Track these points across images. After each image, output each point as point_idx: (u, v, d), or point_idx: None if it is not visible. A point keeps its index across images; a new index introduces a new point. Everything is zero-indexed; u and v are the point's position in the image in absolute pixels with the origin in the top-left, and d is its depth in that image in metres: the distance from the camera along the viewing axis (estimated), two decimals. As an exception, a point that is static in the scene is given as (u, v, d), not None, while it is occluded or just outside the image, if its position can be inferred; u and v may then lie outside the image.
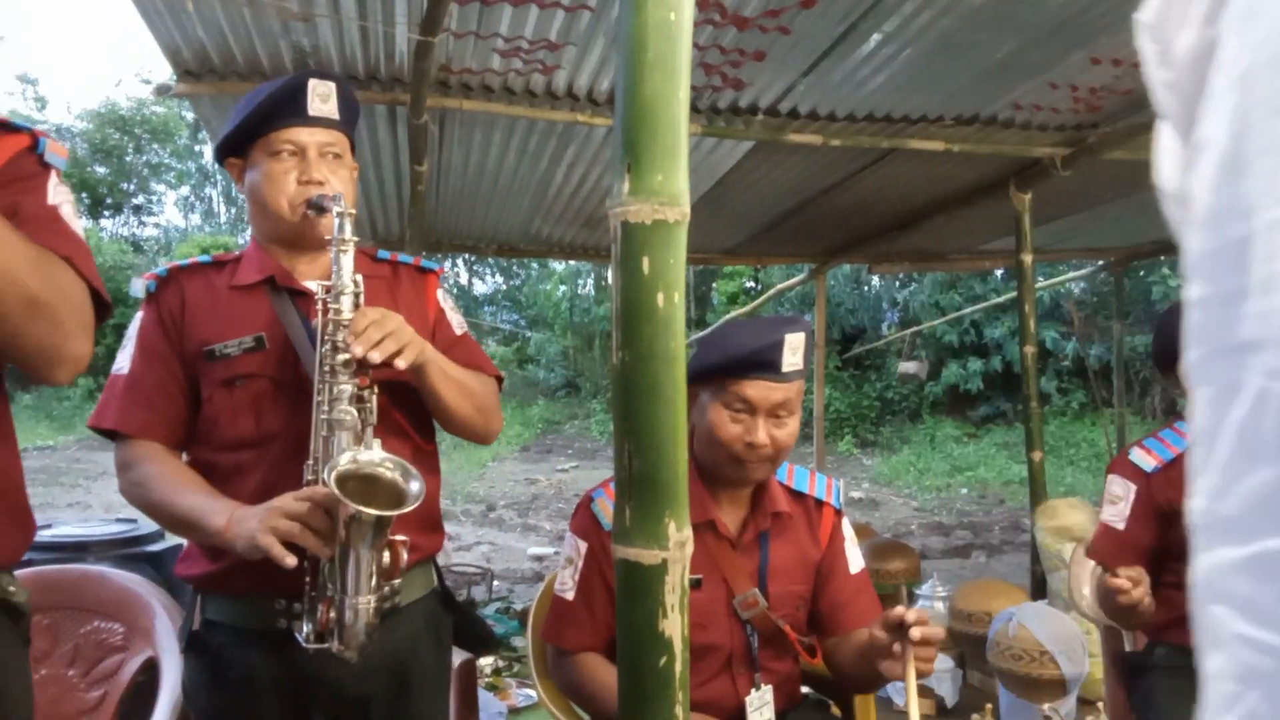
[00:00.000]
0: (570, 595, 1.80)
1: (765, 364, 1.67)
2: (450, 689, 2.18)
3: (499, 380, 1.77)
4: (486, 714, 3.74)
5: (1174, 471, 2.11)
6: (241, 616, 1.56)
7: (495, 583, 6.16)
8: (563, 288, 17.96)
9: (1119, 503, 2.16)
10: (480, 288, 20.43)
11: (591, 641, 1.78)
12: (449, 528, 8.51)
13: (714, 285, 15.94)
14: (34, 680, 1.32)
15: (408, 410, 1.62)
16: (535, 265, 18.74)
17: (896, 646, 1.51)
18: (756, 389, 1.67)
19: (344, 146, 1.64)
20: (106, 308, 1.23)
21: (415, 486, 1.41)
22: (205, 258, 1.69)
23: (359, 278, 1.52)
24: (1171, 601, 2.03)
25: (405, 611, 1.58)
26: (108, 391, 1.60)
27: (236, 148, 1.63)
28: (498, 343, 19.96)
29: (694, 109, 3.58)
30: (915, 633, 1.47)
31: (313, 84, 1.59)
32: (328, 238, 1.54)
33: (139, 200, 20.81)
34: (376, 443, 1.48)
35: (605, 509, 1.78)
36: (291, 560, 1.36)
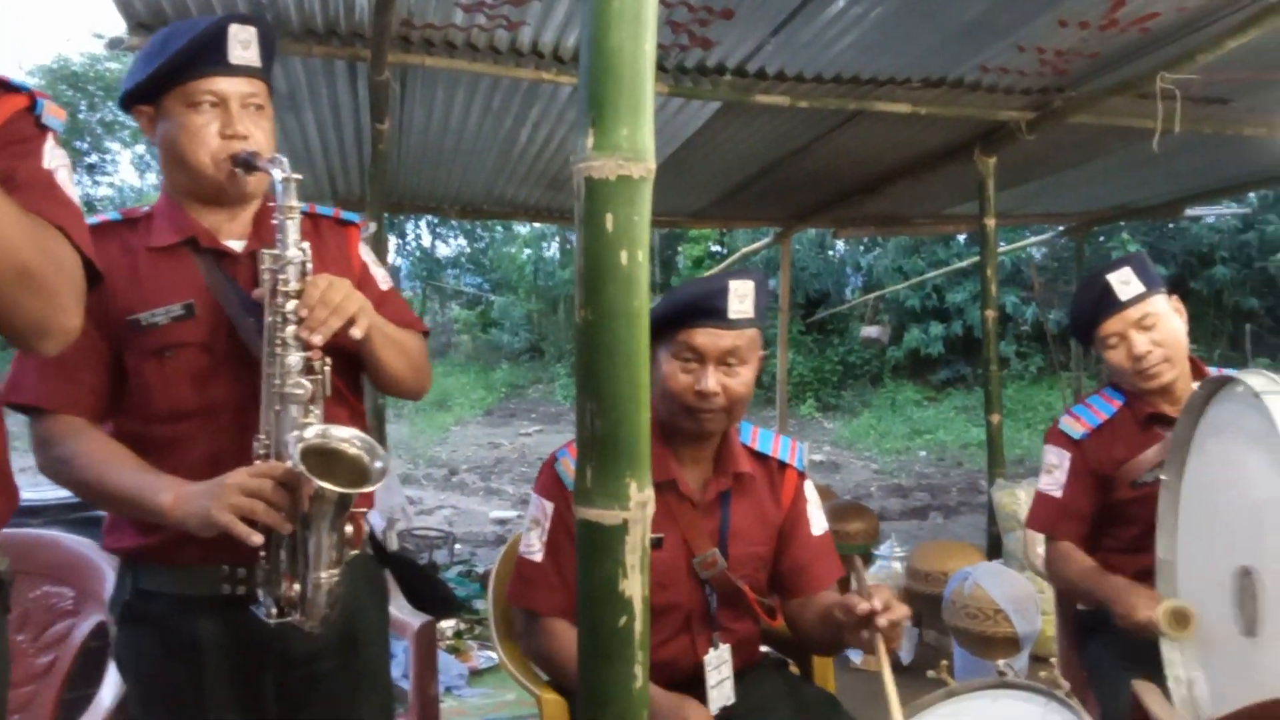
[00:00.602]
0: (538, 557, 1.78)
1: (711, 310, 1.68)
2: (410, 647, 2.18)
3: (425, 335, 1.74)
4: (447, 676, 3.75)
5: (1103, 436, 2.14)
6: (182, 585, 1.51)
7: (457, 546, 6.16)
8: (527, 251, 17.82)
9: (1055, 471, 2.19)
10: (444, 250, 20.19)
11: (562, 604, 1.76)
12: (412, 492, 8.52)
13: (679, 249, 15.89)
14: (7, 639, 1.29)
15: (343, 373, 1.58)
16: (500, 228, 18.55)
17: (864, 634, 1.52)
18: (704, 336, 1.68)
19: (265, 96, 1.56)
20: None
21: (379, 464, 1.39)
22: (115, 215, 1.58)
23: (306, 245, 1.47)
24: (1113, 564, 2.06)
25: (344, 568, 1.56)
26: (19, 362, 1.49)
27: (147, 95, 1.52)
28: (461, 306, 19.80)
29: (661, 68, 3.54)
30: (881, 621, 1.48)
31: (234, 29, 1.49)
32: (251, 194, 1.51)
33: (92, 159, 20.28)
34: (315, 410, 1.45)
35: (569, 469, 1.77)
36: (258, 538, 1.33)
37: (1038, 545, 2.67)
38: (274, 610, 1.41)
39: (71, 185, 1.19)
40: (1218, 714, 1.51)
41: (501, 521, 7.61)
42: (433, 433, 12.51)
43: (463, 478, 9.77)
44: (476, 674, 3.93)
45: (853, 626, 1.54)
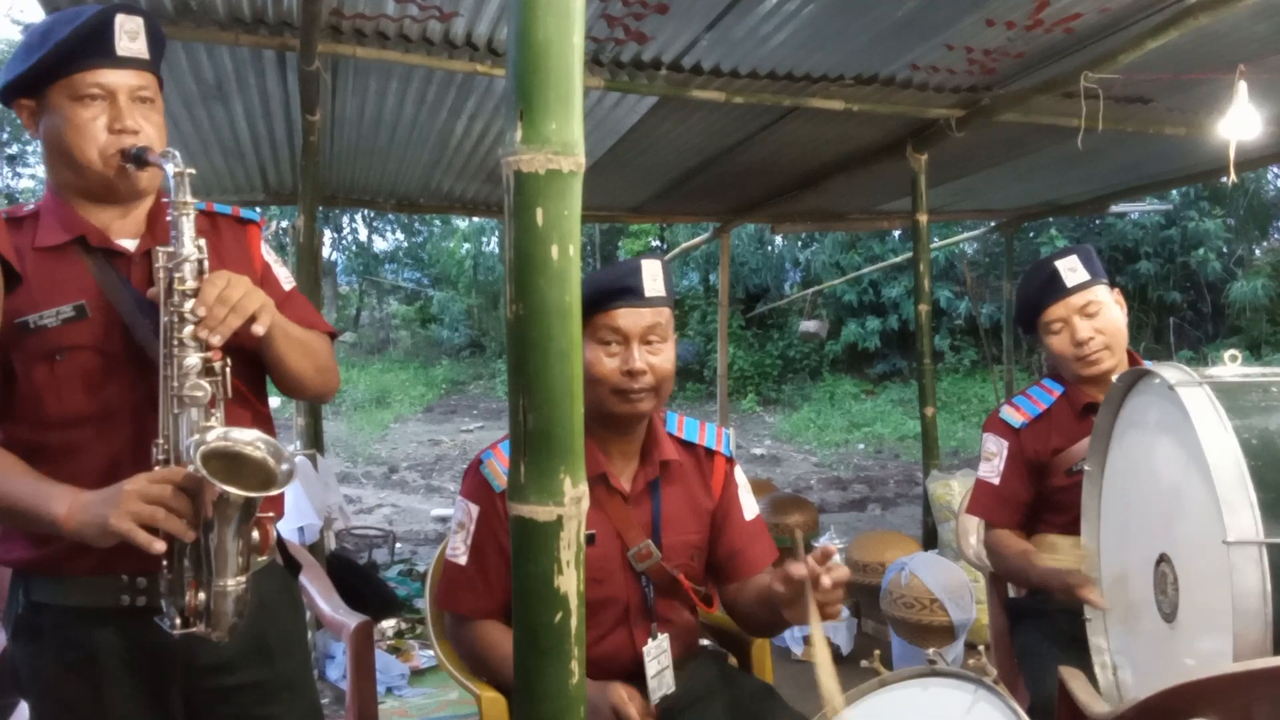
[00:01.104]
0: (463, 560, 1.77)
1: (627, 289, 1.70)
2: (346, 648, 2.15)
3: (333, 336, 1.70)
4: (387, 676, 3.70)
5: (1040, 426, 2.20)
6: (78, 597, 1.45)
7: (398, 545, 6.10)
8: (466, 245, 17.65)
9: (994, 459, 2.25)
10: (381, 244, 19.89)
11: (488, 606, 1.76)
12: (350, 491, 8.39)
13: (620, 244, 15.89)
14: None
15: (245, 375, 1.53)
16: (438, 222, 18.36)
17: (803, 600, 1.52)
18: (625, 316, 1.70)
19: (155, 88, 1.50)
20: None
21: (285, 468, 1.35)
22: None
23: (201, 242, 1.42)
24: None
25: (252, 579, 1.52)
26: None
27: (29, 88, 1.45)
28: (400, 301, 19.54)
29: (596, 62, 3.53)
30: (825, 580, 1.46)
31: (120, 20, 1.43)
32: (144, 190, 1.46)
33: (13, 149, 19.60)
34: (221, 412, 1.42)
35: (495, 470, 1.76)
36: (160, 545, 1.29)
37: (970, 535, 2.72)
38: (178, 621, 1.36)
39: None
40: (1140, 697, 1.55)
41: (442, 519, 7.54)
42: (371, 430, 12.34)
43: (403, 475, 9.66)
44: (418, 674, 3.89)
45: (791, 597, 1.52)
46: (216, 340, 1.36)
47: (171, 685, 1.49)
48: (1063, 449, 2.15)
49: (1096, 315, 2.13)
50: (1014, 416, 2.23)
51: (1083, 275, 2.14)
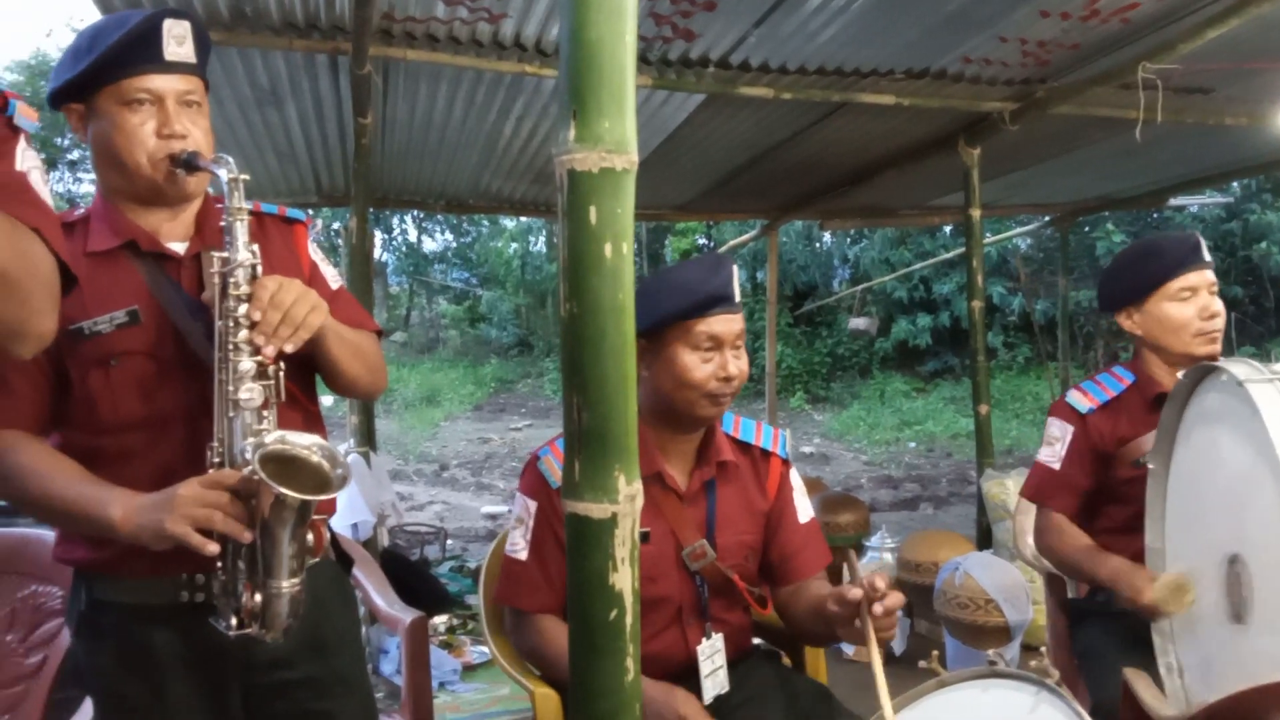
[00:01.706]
0: (523, 555, 1.78)
1: (724, 297, 1.72)
2: (402, 643, 2.18)
3: (380, 334, 1.71)
4: (440, 671, 3.74)
5: (1109, 413, 2.15)
6: (138, 595, 1.47)
7: (449, 542, 6.15)
8: (514, 245, 17.77)
9: (1055, 444, 2.21)
10: (430, 245, 20.11)
11: (548, 601, 1.77)
12: (402, 488, 8.51)
13: (666, 242, 15.88)
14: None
15: (296, 375, 1.54)
16: (486, 222, 18.50)
17: (857, 622, 1.51)
18: (722, 323, 1.72)
19: (202, 93, 1.51)
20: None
21: (339, 472, 1.36)
22: None
23: (255, 247, 1.42)
24: (1108, 546, 2.07)
25: (307, 578, 1.52)
26: None
27: (77, 92, 1.46)
28: (449, 301, 19.73)
29: (644, 61, 3.53)
30: (877, 608, 1.46)
31: (167, 25, 1.44)
32: (191, 194, 1.48)
33: (74, 155, 20.12)
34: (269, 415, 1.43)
35: (551, 467, 1.77)
36: (214, 547, 1.30)
37: (1027, 535, 2.67)
38: (233, 622, 1.38)
39: (44, 187, 1.16)
40: (1208, 701, 1.52)
41: (492, 516, 7.60)
42: (422, 428, 12.49)
43: (453, 473, 9.76)
44: (470, 669, 3.93)
45: (846, 617, 1.53)
46: (270, 351, 1.37)
47: (230, 681, 1.50)
48: (1131, 439, 2.10)
49: (1216, 297, 2.11)
50: (1082, 401, 2.18)
51: (1210, 258, 2.13)
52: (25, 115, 1.16)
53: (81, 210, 1.54)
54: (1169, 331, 2.11)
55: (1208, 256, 2.12)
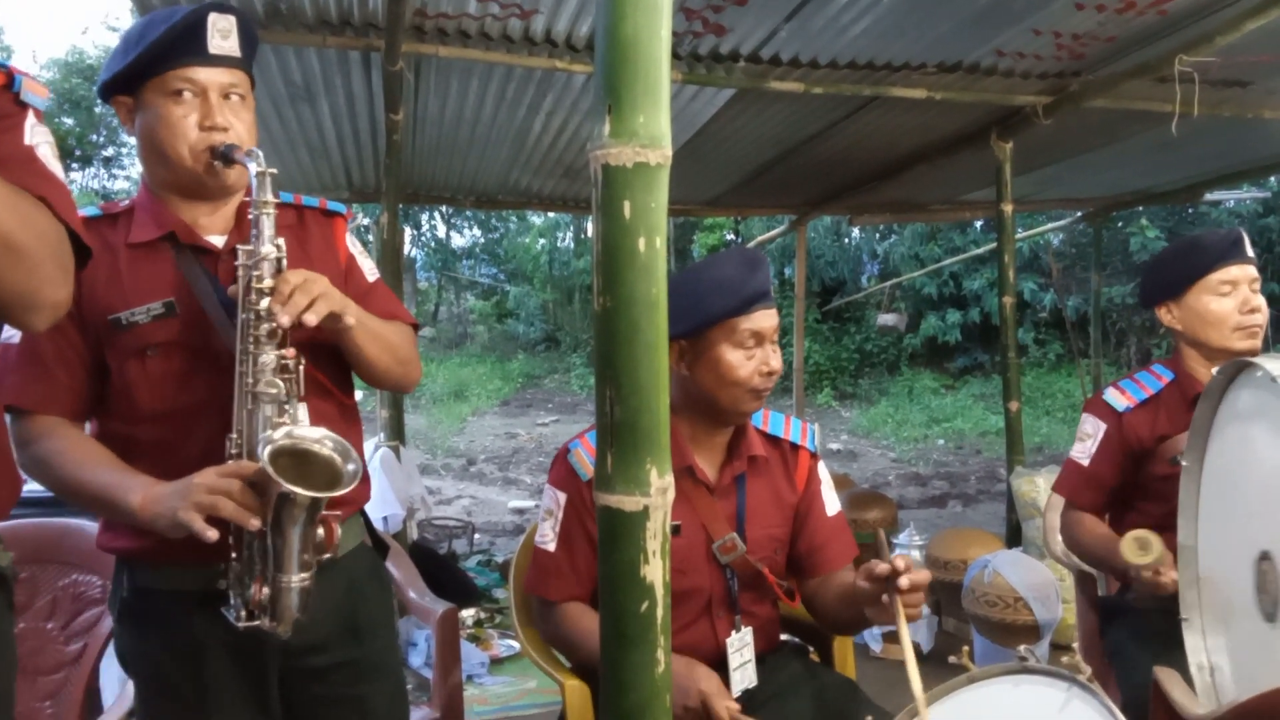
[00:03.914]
0: (551, 547, 1.80)
1: (764, 294, 1.74)
2: (433, 635, 2.20)
3: (415, 327, 1.72)
4: (468, 664, 3.77)
5: (1146, 411, 2.14)
6: (177, 581, 1.49)
7: (476, 536, 6.19)
8: (542, 241, 17.81)
9: (1087, 440, 2.20)
10: (458, 240, 20.19)
11: (575, 591, 1.79)
12: (430, 482, 8.56)
13: (694, 237, 15.86)
14: (13, 633, 1.31)
15: (328, 368, 1.56)
16: (514, 218, 18.55)
17: (884, 597, 1.52)
18: (764, 318, 1.74)
19: (246, 87, 1.52)
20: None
21: (351, 467, 1.36)
22: (93, 210, 1.53)
23: (281, 241, 1.43)
24: None
25: (342, 562, 1.53)
26: (0, 361, 1.47)
27: (125, 85, 1.48)
28: (477, 296, 19.81)
29: (675, 56, 3.53)
30: (903, 581, 1.48)
31: (213, 19, 1.46)
32: (232, 187, 1.49)
33: (109, 152, 20.37)
34: (302, 407, 1.43)
35: (582, 460, 1.79)
36: (213, 533, 1.31)
37: (1057, 533, 2.65)
38: (243, 613, 1.40)
39: (55, 161, 1.17)
40: (1240, 699, 1.50)
41: (520, 511, 7.64)
42: (450, 423, 12.56)
43: (481, 468, 9.81)
44: (497, 662, 3.96)
45: (874, 594, 1.53)
46: (286, 320, 1.36)
47: (269, 665, 1.53)
48: (1169, 436, 2.09)
49: (1257, 294, 2.11)
50: (1118, 399, 2.17)
51: (1251, 253, 2.13)
52: (32, 90, 1.17)
53: (126, 202, 1.56)
54: (1208, 325, 2.10)
55: (1250, 252, 2.11)
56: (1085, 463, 2.19)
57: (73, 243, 1.15)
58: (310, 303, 1.37)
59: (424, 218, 18.82)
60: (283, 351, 1.41)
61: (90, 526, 2.18)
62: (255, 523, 1.33)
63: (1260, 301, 2.09)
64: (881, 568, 1.51)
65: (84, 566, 2.07)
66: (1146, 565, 1.84)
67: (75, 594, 2.05)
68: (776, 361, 1.75)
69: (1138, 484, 2.15)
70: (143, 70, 1.46)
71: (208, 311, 1.47)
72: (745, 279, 1.71)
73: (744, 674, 1.77)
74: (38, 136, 1.17)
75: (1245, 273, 2.09)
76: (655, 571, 1.00)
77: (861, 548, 1.94)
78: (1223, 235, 2.13)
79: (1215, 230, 2.18)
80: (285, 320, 1.36)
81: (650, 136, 0.95)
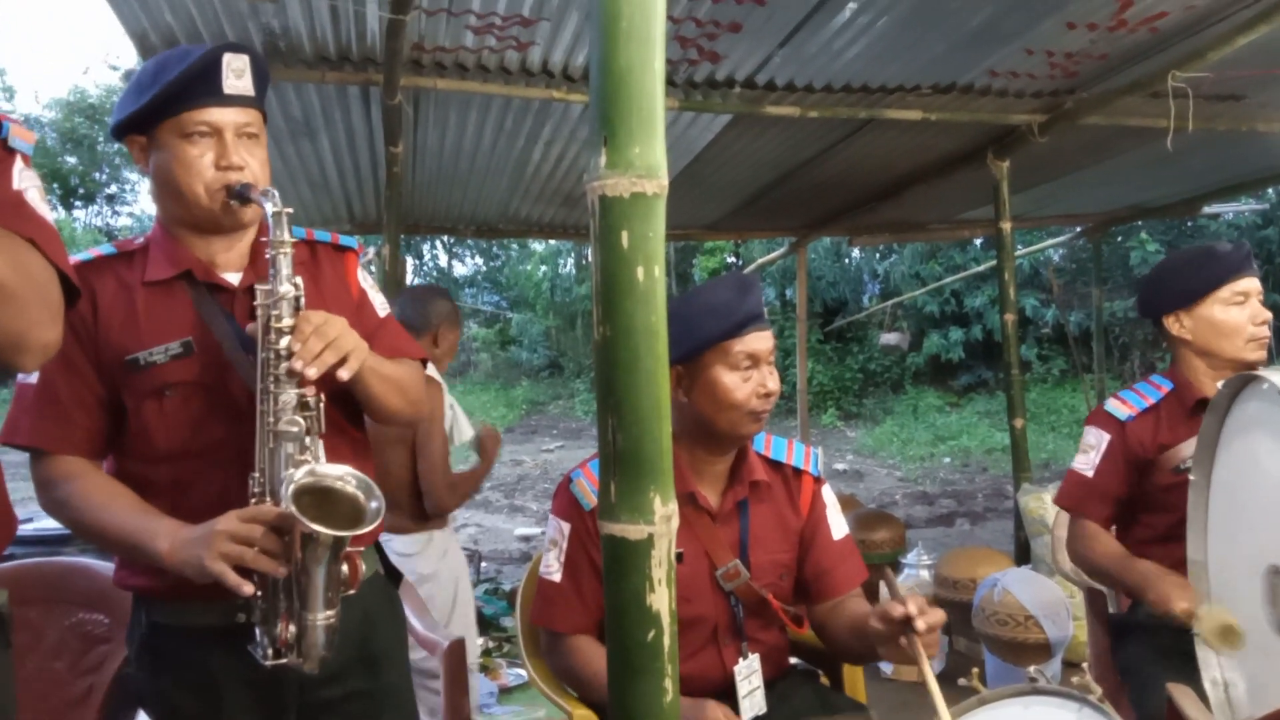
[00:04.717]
0: (557, 577, 1.79)
1: (757, 316, 1.74)
2: (441, 666, 2.19)
3: (423, 362, 1.72)
4: (477, 694, 3.75)
5: (1147, 420, 2.14)
6: (198, 618, 1.49)
7: (483, 564, 6.16)
8: (543, 268, 17.88)
9: (1091, 451, 2.20)
10: (460, 269, 20.30)
11: (582, 622, 1.78)
12: (435, 510, 8.49)
13: (695, 261, 15.90)
14: (21, 675, 1.30)
15: (340, 405, 1.57)
16: (515, 246, 18.62)
17: (902, 640, 1.52)
18: (758, 340, 1.74)
19: (259, 124, 1.54)
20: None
21: (374, 505, 1.37)
22: (109, 249, 1.55)
23: (299, 280, 1.43)
24: (1147, 554, 2.04)
25: (357, 593, 1.52)
26: (16, 403, 1.48)
27: (139, 125, 1.50)
28: (479, 324, 19.87)
29: (670, 83, 3.56)
30: (920, 625, 1.47)
31: (227, 59, 1.47)
32: (247, 224, 1.51)
33: (111, 189, 20.53)
34: (319, 443, 1.44)
35: (584, 489, 1.79)
36: (248, 588, 1.32)
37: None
38: (270, 651, 1.40)
39: (44, 204, 1.18)
40: (1255, 715, 1.49)
41: (526, 538, 7.61)
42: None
43: (486, 495, 9.78)
44: (506, 691, 3.94)
45: (889, 635, 1.53)
46: (312, 373, 1.37)
47: (288, 699, 1.52)
48: (1170, 445, 2.09)
49: (1262, 306, 2.13)
50: (1120, 409, 2.18)
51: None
52: (20, 136, 1.19)
53: (141, 239, 1.57)
54: (1221, 336, 2.10)
55: (1256, 269, 2.15)
56: (1090, 474, 2.18)
57: (62, 284, 1.15)
58: (324, 349, 1.38)
59: (425, 248, 18.92)
60: (303, 390, 1.41)
61: (96, 565, 2.18)
62: (282, 571, 1.34)
63: (1268, 314, 2.11)
64: (899, 610, 1.50)
65: (90, 605, 2.06)
66: (1221, 650, 1.79)
67: (82, 633, 2.05)
68: (774, 383, 1.75)
69: (1141, 495, 2.15)
70: (158, 111, 1.47)
71: (226, 351, 1.48)
72: (737, 302, 1.72)
73: (753, 701, 1.76)
74: (26, 181, 1.18)
75: (1255, 285, 2.12)
76: (661, 600, 1.00)
77: (870, 569, 1.94)
78: (1235, 247, 2.15)
79: (1222, 242, 2.19)
80: (298, 366, 1.37)
81: (646, 167, 0.95)
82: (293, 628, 1.38)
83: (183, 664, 1.51)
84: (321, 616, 1.36)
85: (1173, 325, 2.15)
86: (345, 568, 1.40)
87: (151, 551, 1.38)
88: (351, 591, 1.42)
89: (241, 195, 1.47)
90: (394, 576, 1.73)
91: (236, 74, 1.48)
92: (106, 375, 1.48)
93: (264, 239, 1.49)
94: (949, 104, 3.95)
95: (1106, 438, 2.17)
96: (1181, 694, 1.68)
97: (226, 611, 1.46)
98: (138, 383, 1.47)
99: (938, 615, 1.49)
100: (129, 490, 1.47)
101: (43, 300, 1.11)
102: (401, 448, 2.82)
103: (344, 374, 1.42)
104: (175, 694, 1.52)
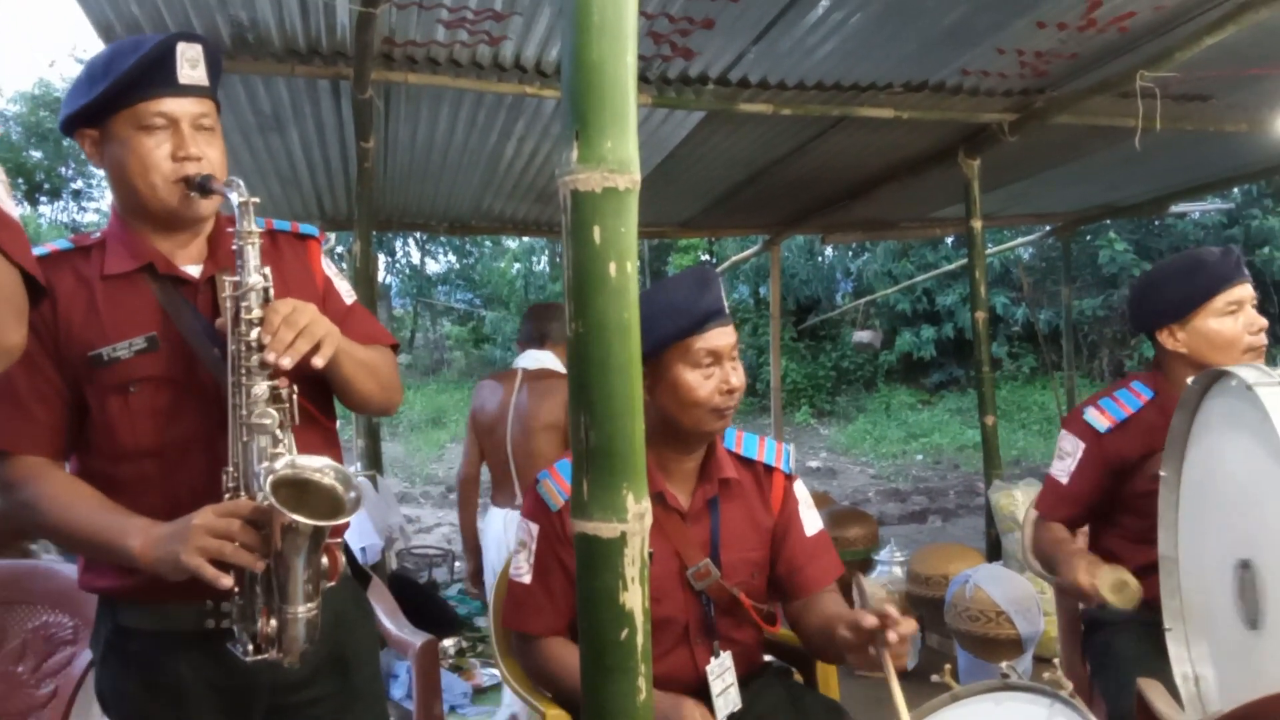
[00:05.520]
0: (527, 579, 1.78)
1: (717, 312, 1.72)
2: (412, 667, 2.17)
3: (395, 348, 1.70)
4: (450, 695, 3.73)
5: (1128, 430, 2.12)
6: (163, 621, 1.47)
7: (457, 564, 6.13)
8: (517, 265, 17.82)
9: (1067, 459, 2.20)
10: (433, 267, 20.13)
11: (553, 623, 1.77)
12: (409, 511, 8.48)
13: (669, 259, 15.91)
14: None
15: (312, 395, 1.54)
16: (489, 243, 18.54)
17: (871, 650, 1.51)
18: (719, 336, 1.72)
19: (214, 116, 1.50)
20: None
21: (353, 495, 1.35)
22: (65, 243, 1.51)
23: (267, 270, 1.41)
24: (1119, 554, 2.05)
25: (327, 594, 1.50)
26: None
27: (91, 118, 1.45)
28: (453, 322, 19.76)
29: (644, 79, 3.55)
30: (892, 636, 1.47)
31: (181, 48, 1.43)
32: (206, 217, 1.49)
33: (78, 185, 20.21)
34: (289, 436, 1.42)
35: (551, 491, 1.77)
36: (227, 580, 1.30)
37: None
38: (250, 647, 1.38)
39: (9, 201, 1.13)
40: (1225, 709, 1.50)
41: (499, 537, 7.57)
42: (428, 450, 12.48)
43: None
44: (480, 692, 3.91)
45: (859, 644, 1.53)
46: (286, 363, 1.35)
47: (256, 703, 1.50)
48: (1152, 454, 2.05)
49: (1255, 311, 2.10)
50: (1099, 420, 2.14)
51: None
52: None
53: (97, 234, 1.53)
54: (1218, 348, 2.05)
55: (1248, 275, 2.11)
56: (1064, 480, 2.17)
57: (27, 283, 1.12)
58: (295, 337, 1.36)
59: (398, 244, 18.77)
60: (275, 382, 1.39)
61: (60, 566, 2.14)
62: (260, 565, 1.32)
63: (1263, 320, 2.08)
64: (869, 622, 1.49)
65: (54, 607, 2.03)
66: (1118, 605, 1.85)
67: (46, 636, 2.01)
68: (736, 379, 1.73)
69: (1119, 500, 2.15)
70: (111, 103, 1.43)
71: (192, 344, 1.45)
72: (696, 298, 1.71)
73: (727, 699, 1.75)
74: None
75: (1247, 292, 2.07)
76: (634, 598, 0.99)
77: (847, 565, 1.94)
78: (1223, 253, 2.10)
79: (1210, 249, 2.14)
80: (271, 358, 1.35)
81: (618, 161, 0.94)
82: (273, 622, 1.36)
83: (149, 668, 1.48)
84: (303, 609, 1.35)
85: (1166, 340, 2.10)
86: (325, 560, 1.38)
87: (123, 549, 1.35)
88: (333, 583, 1.41)
89: (203, 186, 1.44)
90: (362, 577, 1.71)
91: (191, 64, 1.45)
92: (69, 372, 1.44)
93: (230, 230, 1.45)
94: (921, 102, 3.97)
95: (1083, 446, 2.16)
96: (1151, 688, 1.69)
97: (196, 615, 1.44)
98: (102, 379, 1.44)
99: (909, 626, 1.49)
100: (96, 490, 1.44)
101: (8, 303, 1.07)
102: (554, 432, 3.16)
103: (318, 361, 1.39)
104: (140, 698, 1.49)
